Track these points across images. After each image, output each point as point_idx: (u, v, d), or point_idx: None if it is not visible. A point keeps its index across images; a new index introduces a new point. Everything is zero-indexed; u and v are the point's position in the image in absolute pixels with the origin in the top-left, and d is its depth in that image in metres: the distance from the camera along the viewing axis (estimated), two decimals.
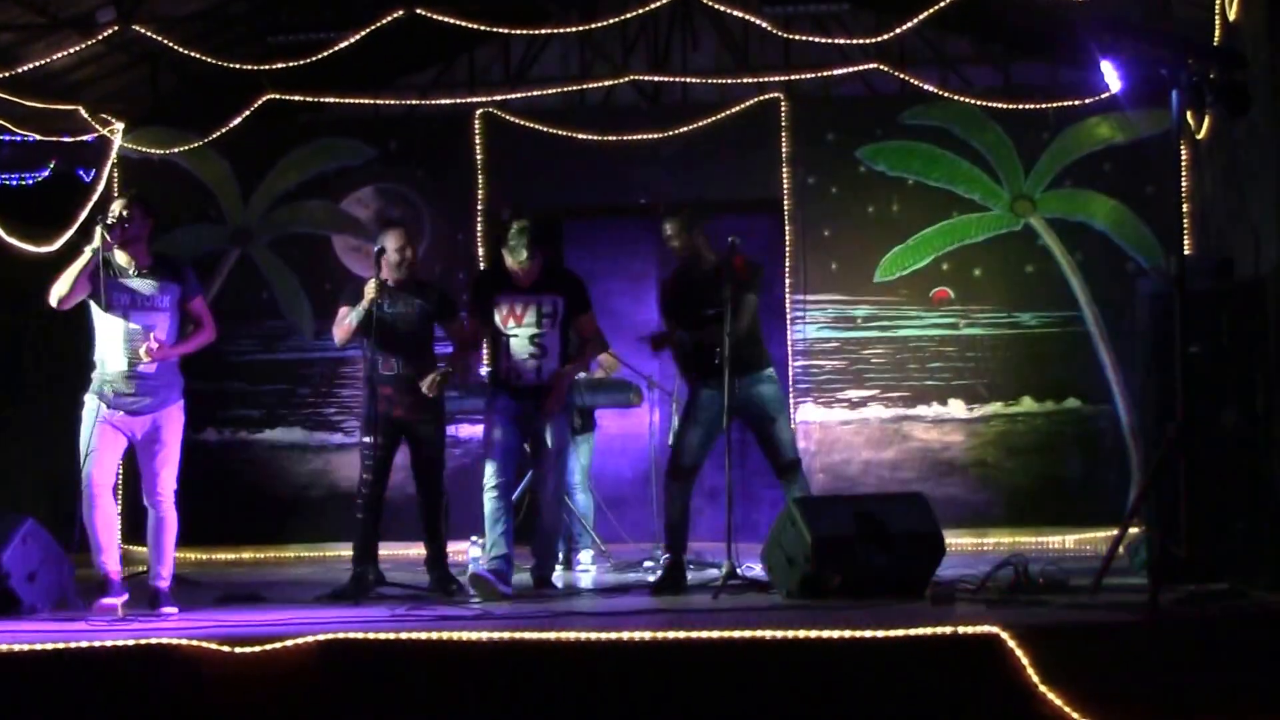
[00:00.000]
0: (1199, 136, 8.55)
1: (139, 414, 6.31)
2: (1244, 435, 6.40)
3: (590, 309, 7.14)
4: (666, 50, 10.48)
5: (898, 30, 9.38)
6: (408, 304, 7.08)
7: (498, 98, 10.37)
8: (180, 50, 9.09)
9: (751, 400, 6.95)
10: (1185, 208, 9.01)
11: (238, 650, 5.03)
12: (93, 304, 6.28)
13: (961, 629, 4.89)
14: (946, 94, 9.92)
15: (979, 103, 9.93)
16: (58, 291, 6.21)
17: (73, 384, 6.75)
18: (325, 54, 9.24)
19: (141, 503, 6.44)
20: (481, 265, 10.18)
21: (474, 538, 8.67)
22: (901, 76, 9.94)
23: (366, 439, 7.04)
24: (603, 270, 10.66)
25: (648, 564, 8.04)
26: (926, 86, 9.88)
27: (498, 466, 6.93)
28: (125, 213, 6.28)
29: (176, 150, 10.31)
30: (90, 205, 9.71)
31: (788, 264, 9.93)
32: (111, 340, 6.30)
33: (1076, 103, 9.72)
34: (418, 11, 9.03)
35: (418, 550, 7.59)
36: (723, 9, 9.61)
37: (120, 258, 6.35)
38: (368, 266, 7.16)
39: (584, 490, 8.49)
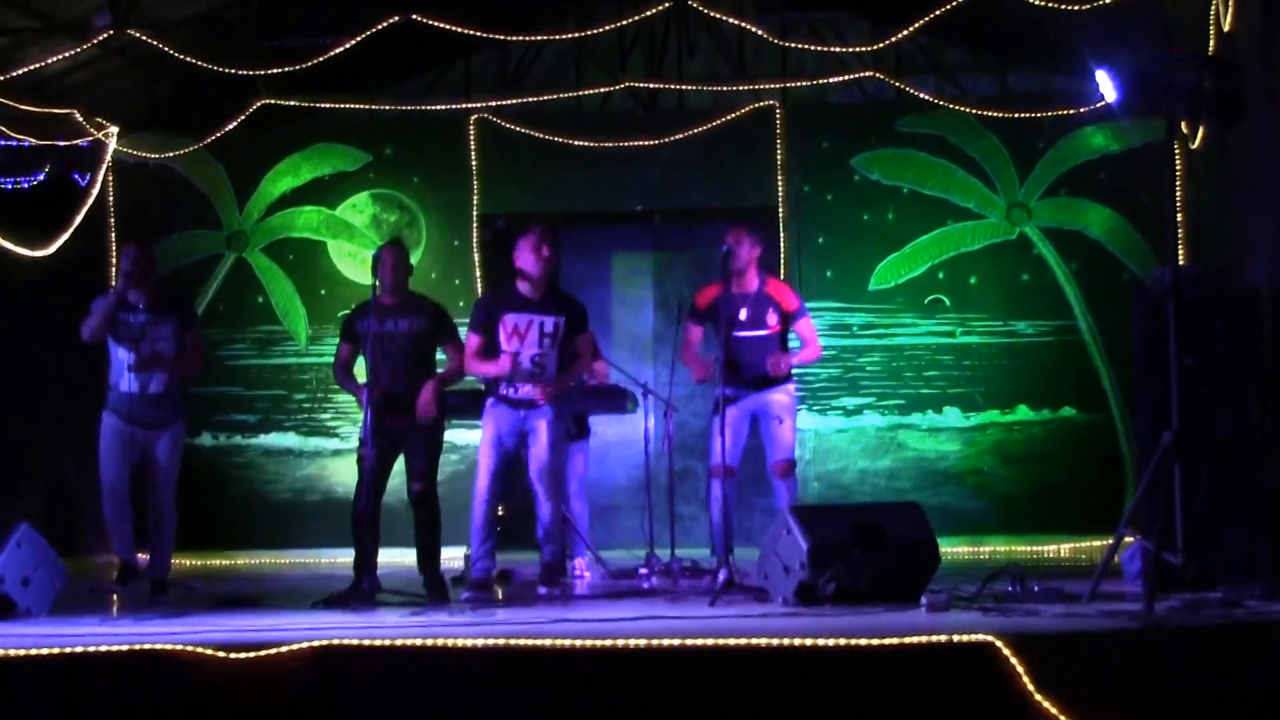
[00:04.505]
0: (1194, 146, 8.57)
1: (148, 429, 7.32)
2: (1239, 444, 6.41)
3: (588, 330, 7.25)
4: (662, 57, 10.48)
5: (894, 38, 9.39)
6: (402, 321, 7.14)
7: (493, 103, 10.37)
8: (176, 55, 9.07)
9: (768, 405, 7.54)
10: (1180, 217, 9.02)
11: (233, 655, 5.02)
12: (109, 335, 7.27)
13: (957, 637, 4.89)
14: (942, 102, 9.93)
15: (975, 111, 9.94)
16: (90, 330, 7.24)
17: (79, 390, 7.72)
18: (321, 59, 9.24)
19: (145, 505, 7.44)
20: (477, 271, 10.21)
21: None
22: (897, 84, 9.96)
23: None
24: (598, 276, 10.67)
25: (642, 571, 8.03)
26: (922, 95, 9.90)
27: (488, 482, 7.04)
28: (138, 256, 7.24)
29: (171, 155, 10.32)
30: (85, 209, 9.74)
31: (783, 272, 9.91)
32: (124, 366, 7.26)
33: (1072, 112, 9.73)
34: (413, 17, 9.03)
35: (413, 558, 7.58)
36: (719, 16, 9.61)
37: (130, 295, 7.28)
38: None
39: (579, 497, 8.46)
